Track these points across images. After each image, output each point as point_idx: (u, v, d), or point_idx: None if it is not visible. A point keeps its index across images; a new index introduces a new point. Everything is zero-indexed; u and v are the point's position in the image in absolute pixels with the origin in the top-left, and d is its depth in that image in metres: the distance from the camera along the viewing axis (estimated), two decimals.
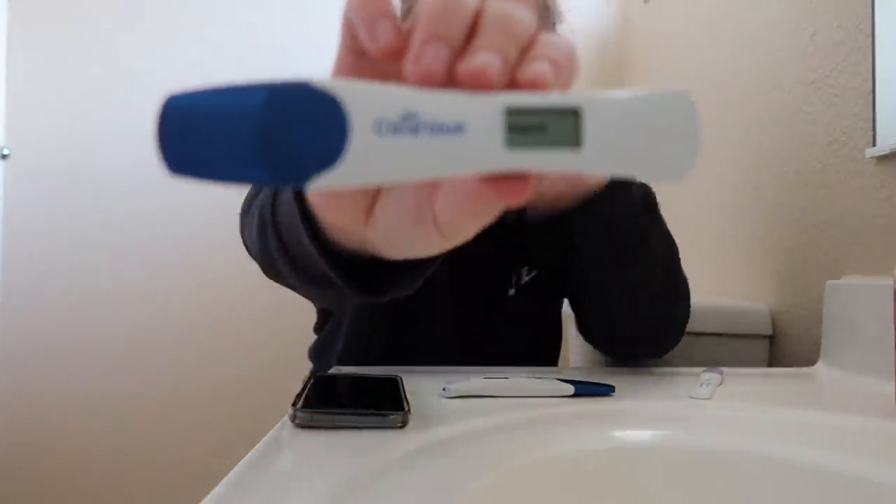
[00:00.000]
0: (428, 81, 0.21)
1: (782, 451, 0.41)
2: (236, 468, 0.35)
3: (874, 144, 0.72)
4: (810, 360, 0.76)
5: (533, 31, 0.22)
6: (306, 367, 1.08)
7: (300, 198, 0.38)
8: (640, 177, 0.22)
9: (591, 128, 0.21)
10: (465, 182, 0.23)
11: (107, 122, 1.66)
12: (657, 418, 0.48)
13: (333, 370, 0.70)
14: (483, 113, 0.20)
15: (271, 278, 0.54)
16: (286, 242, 0.44)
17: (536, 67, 0.21)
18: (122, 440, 1.66)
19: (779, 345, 0.92)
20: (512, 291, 0.79)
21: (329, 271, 0.38)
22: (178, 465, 1.66)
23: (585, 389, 0.55)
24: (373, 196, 0.28)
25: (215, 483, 0.32)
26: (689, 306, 0.75)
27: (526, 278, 0.79)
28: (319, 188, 0.20)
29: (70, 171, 1.66)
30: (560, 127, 0.21)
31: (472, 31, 0.22)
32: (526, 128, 0.20)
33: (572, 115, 0.21)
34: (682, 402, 0.53)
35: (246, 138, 0.19)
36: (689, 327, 0.91)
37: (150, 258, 1.65)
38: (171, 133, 0.20)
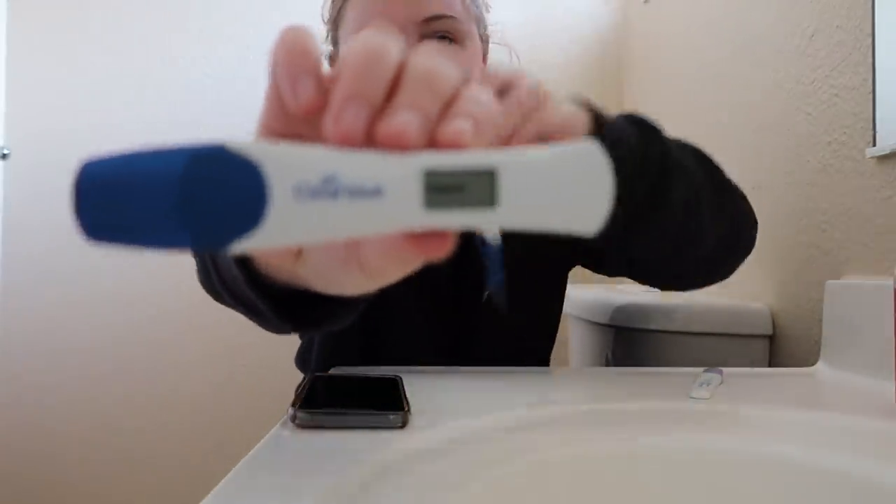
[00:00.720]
0: (347, 142, 0.21)
1: (782, 451, 0.41)
2: (236, 468, 0.35)
3: (874, 144, 0.72)
4: (810, 360, 0.76)
5: (456, 86, 0.22)
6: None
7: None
8: (554, 229, 0.23)
9: (506, 187, 0.21)
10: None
11: (107, 122, 1.66)
12: (657, 418, 0.48)
13: (333, 370, 0.70)
14: (401, 175, 0.21)
15: (214, 299, 0.54)
16: (220, 269, 0.43)
17: (456, 126, 0.21)
18: (121, 440, 1.66)
19: (779, 345, 0.92)
20: (486, 295, 0.77)
21: (257, 302, 0.37)
22: (178, 466, 1.66)
23: None
24: None
25: (215, 483, 0.32)
26: (750, 208, 0.68)
27: (493, 288, 0.76)
28: (241, 251, 0.20)
29: (70, 170, 1.66)
30: (477, 187, 0.21)
31: (394, 86, 0.22)
32: (444, 188, 0.21)
33: (488, 176, 0.21)
34: (682, 402, 0.53)
35: (165, 206, 0.19)
36: (690, 327, 0.92)
37: (149, 259, 1.65)
38: (88, 200, 0.20)
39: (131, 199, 0.19)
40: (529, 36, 1.68)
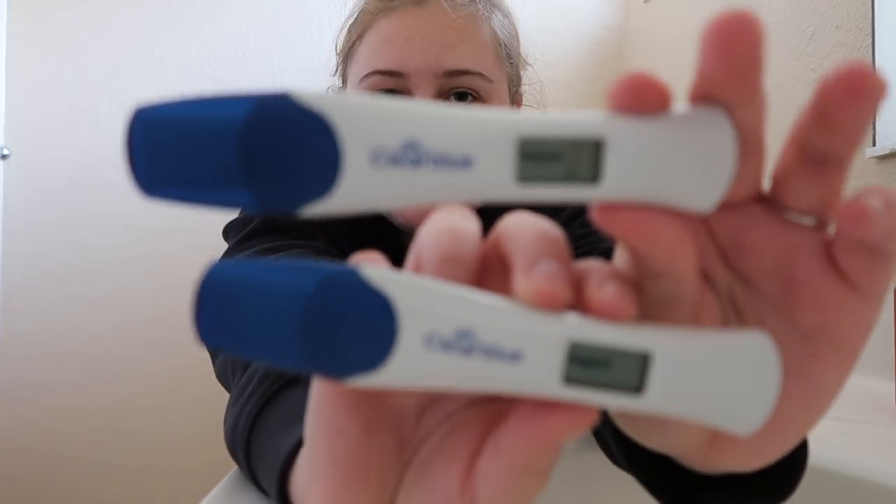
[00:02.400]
0: (551, 304, 0.18)
1: None
2: (236, 468, 0.35)
3: (874, 144, 0.72)
4: None
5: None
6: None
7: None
8: (705, 423, 0.19)
9: (658, 373, 0.18)
10: (504, 455, 0.20)
11: (107, 123, 1.66)
12: None
13: None
14: (545, 343, 0.18)
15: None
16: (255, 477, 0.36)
17: (611, 292, 0.18)
18: (121, 440, 1.66)
19: None
20: None
21: None
22: (179, 465, 1.66)
23: None
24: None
25: (215, 483, 0.32)
26: None
27: None
28: (358, 386, 0.18)
29: (70, 171, 1.66)
30: (625, 369, 0.19)
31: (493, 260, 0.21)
32: (587, 362, 0.19)
33: (640, 359, 0.19)
34: None
35: (288, 325, 0.18)
36: None
37: (150, 259, 1.65)
38: (208, 306, 0.18)
39: (256, 309, 0.18)
40: (529, 36, 1.68)
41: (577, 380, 0.18)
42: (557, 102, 1.71)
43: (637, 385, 0.19)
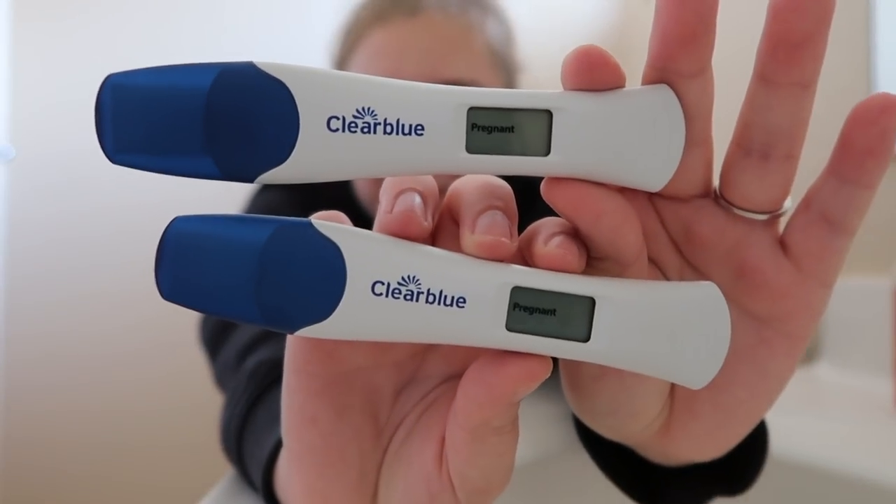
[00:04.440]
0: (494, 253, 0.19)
1: (782, 450, 0.41)
2: (233, 471, 0.35)
3: None
4: (810, 360, 0.76)
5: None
6: None
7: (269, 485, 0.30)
8: (655, 375, 0.19)
9: (603, 319, 0.18)
10: (466, 418, 0.19)
11: None
12: None
13: None
14: (487, 288, 0.19)
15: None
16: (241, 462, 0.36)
17: (559, 247, 0.19)
18: (122, 439, 1.66)
19: None
20: None
21: None
22: (179, 465, 1.66)
23: None
24: (372, 490, 0.23)
25: (215, 483, 0.32)
26: None
27: None
28: (313, 333, 0.19)
29: (75, 172, 1.66)
30: (571, 315, 0.19)
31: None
32: (532, 309, 0.19)
33: (586, 303, 0.19)
34: None
35: (242, 275, 0.19)
36: None
37: (151, 259, 1.65)
38: (171, 258, 0.20)
39: (211, 262, 0.20)
40: (529, 36, 1.68)
41: (521, 327, 0.18)
42: None
43: (584, 333, 0.19)
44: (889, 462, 0.38)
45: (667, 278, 0.22)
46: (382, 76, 0.26)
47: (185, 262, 0.20)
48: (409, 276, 0.19)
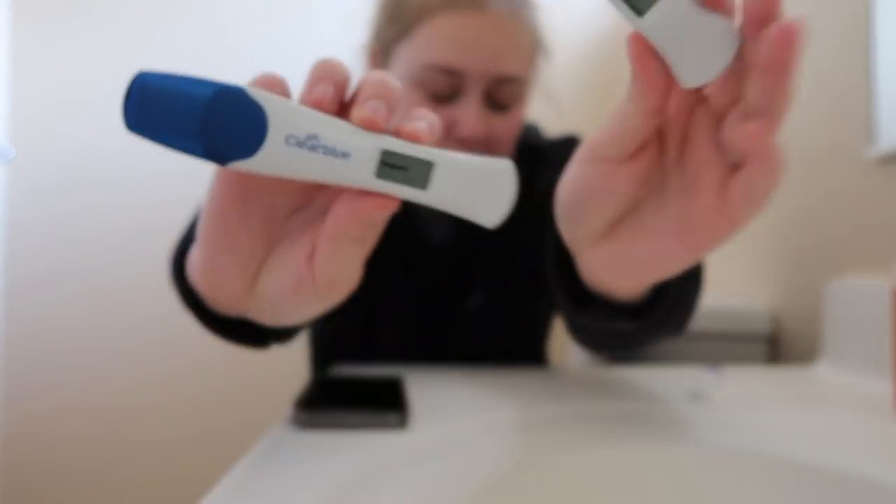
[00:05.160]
0: (320, 107, 0.29)
1: (782, 450, 0.41)
2: (236, 468, 0.35)
3: (874, 145, 0.72)
4: (810, 360, 0.76)
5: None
6: (307, 367, 1.09)
7: (185, 280, 0.44)
8: (465, 214, 0.31)
9: (438, 177, 0.30)
10: (333, 225, 0.31)
11: (110, 124, 1.66)
12: (658, 418, 0.48)
13: (335, 370, 0.70)
14: (365, 148, 0.29)
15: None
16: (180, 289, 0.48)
17: (418, 125, 0.29)
18: (121, 439, 1.66)
19: (779, 345, 0.92)
20: (472, 302, 0.77)
21: (212, 332, 0.45)
22: (179, 465, 1.66)
23: None
24: (253, 275, 0.34)
25: (215, 483, 0.32)
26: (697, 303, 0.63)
27: (477, 302, 0.77)
28: (235, 168, 0.28)
29: (74, 173, 1.66)
30: (417, 172, 0.29)
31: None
32: (393, 166, 0.29)
33: (428, 165, 0.30)
34: (683, 402, 0.53)
35: (191, 120, 0.27)
36: (689, 327, 0.92)
37: (153, 259, 1.65)
38: (135, 100, 0.27)
39: (167, 108, 0.27)
40: None
41: (385, 176, 0.29)
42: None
43: (424, 183, 0.30)
44: (889, 462, 0.38)
45: (659, 151, 0.35)
46: (448, 60, 0.57)
47: (148, 104, 0.27)
48: (312, 134, 0.28)
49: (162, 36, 1.69)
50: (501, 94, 0.64)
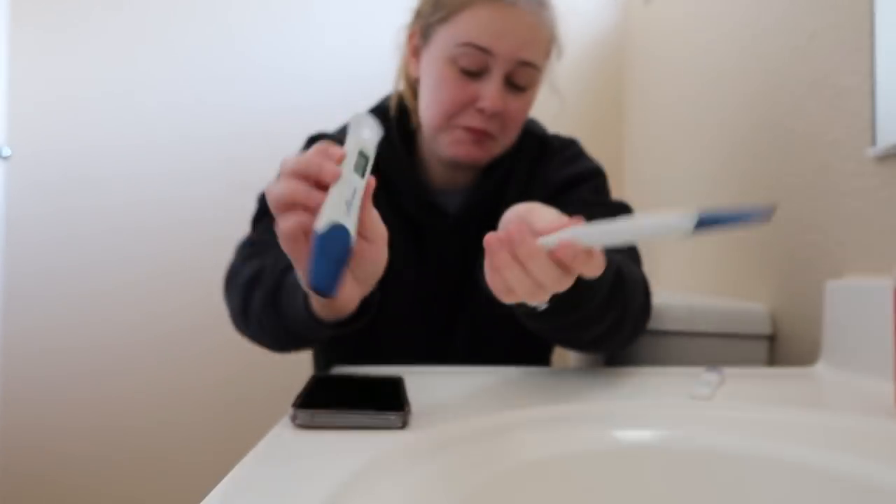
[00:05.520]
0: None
1: (782, 451, 0.41)
2: (236, 468, 0.35)
3: (874, 144, 0.72)
4: (810, 360, 0.76)
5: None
6: (307, 366, 1.08)
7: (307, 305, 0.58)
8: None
9: None
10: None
11: (108, 123, 1.66)
12: (657, 418, 0.48)
13: (334, 370, 0.70)
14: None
15: (239, 328, 0.76)
16: (284, 317, 0.63)
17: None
18: (121, 439, 1.66)
19: (779, 345, 0.92)
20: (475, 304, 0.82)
21: (327, 333, 0.61)
22: (179, 465, 1.66)
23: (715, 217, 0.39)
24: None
25: (215, 483, 0.33)
26: (649, 309, 0.72)
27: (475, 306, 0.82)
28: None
29: (71, 171, 1.66)
30: None
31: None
32: None
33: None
34: (682, 402, 0.53)
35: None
36: (689, 327, 0.92)
37: (151, 258, 1.65)
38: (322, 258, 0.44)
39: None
40: None
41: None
42: (557, 102, 1.71)
43: None
44: (889, 462, 0.38)
45: None
46: (482, 40, 0.73)
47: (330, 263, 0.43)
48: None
49: (158, 36, 1.68)
50: (520, 76, 0.75)
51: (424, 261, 0.82)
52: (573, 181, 0.82)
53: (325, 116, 1.77)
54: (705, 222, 0.36)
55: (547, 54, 0.78)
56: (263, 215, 0.78)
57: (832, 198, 0.81)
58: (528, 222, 0.46)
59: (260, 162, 1.71)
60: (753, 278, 1.01)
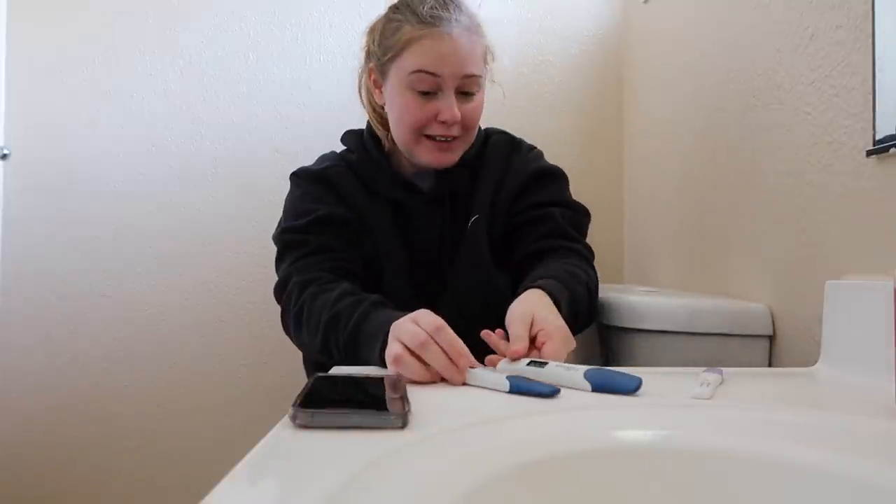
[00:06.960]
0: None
1: (782, 451, 0.41)
2: (236, 468, 0.35)
3: (874, 144, 0.72)
4: (810, 360, 0.76)
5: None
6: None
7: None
8: None
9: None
10: None
11: (108, 123, 1.66)
12: (657, 418, 0.48)
13: (334, 370, 0.70)
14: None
15: (291, 335, 0.94)
16: (358, 359, 0.78)
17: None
18: (121, 439, 1.66)
19: (779, 345, 0.92)
20: (475, 222, 1.00)
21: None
22: (179, 465, 1.66)
23: (603, 382, 0.58)
24: None
25: (215, 483, 0.32)
26: (596, 296, 0.96)
27: (479, 218, 1.01)
28: None
29: (71, 171, 1.66)
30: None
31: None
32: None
33: None
34: (683, 402, 0.53)
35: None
36: (689, 327, 0.92)
37: (150, 257, 1.65)
38: None
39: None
40: (530, 35, 1.67)
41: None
42: (557, 101, 1.71)
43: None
44: (889, 462, 0.38)
45: None
46: (431, 66, 0.90)
47: None
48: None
49: (157, 37, 1.68)
50: (467, 85, 0.93)
51: (410, 238, 0.99)
52: (542, 173, 1.03)
53: (325, 120, 1.77)
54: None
55: (484, 62, 0.97)
56: (286, 254, 0.96)
57: (832, 198, 0.81)
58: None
59: (261, 164, 1.71)
60: (753, 278, 1.01)
